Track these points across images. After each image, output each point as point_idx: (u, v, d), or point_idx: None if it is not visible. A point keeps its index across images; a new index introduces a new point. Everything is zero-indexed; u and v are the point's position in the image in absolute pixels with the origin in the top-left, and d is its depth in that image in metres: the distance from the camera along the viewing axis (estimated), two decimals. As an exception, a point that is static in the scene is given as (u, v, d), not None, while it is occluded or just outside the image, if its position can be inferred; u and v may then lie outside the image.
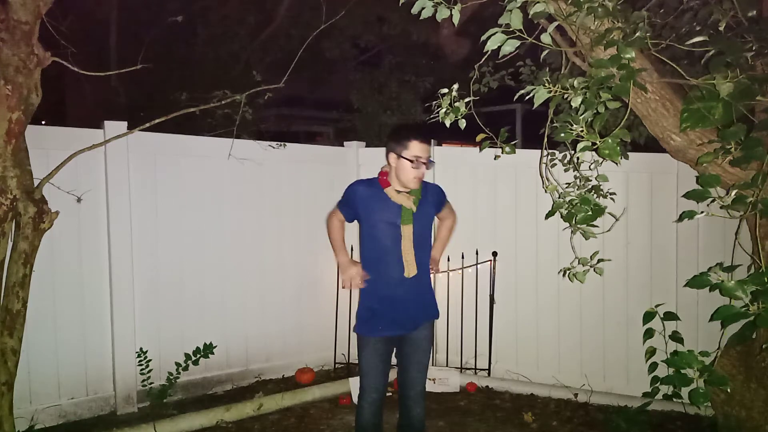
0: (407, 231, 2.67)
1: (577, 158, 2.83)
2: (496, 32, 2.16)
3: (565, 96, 2.24)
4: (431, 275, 2.91)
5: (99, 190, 3.73)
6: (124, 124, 3.67)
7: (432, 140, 2.71)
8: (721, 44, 2.42)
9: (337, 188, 2.90)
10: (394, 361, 2.88)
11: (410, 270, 2.69)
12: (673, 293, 3.86)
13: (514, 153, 2.84)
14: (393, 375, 3.79)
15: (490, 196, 4.47)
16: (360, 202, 2.73)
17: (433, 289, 2.93)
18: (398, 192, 2.69)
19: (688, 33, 3.05)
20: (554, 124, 2.47)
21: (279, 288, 4.54)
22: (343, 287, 2.81)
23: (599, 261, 2.71)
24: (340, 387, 4.16)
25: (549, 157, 3.07)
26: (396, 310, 2.70)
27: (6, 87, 2.53)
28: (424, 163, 2.64)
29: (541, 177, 2.80)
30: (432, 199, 2.82)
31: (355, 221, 2.85)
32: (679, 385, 2.30)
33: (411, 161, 2.61)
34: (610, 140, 2.09)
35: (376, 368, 2.72)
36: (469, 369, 4.51)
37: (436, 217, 2.96)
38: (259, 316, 4.45)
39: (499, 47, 2.18)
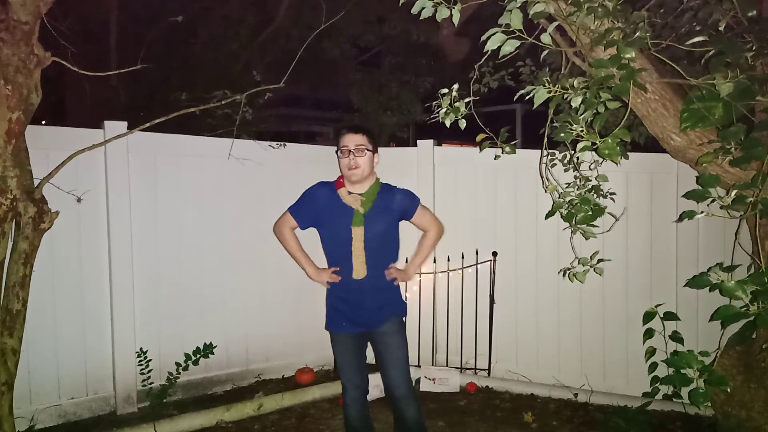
0: (357, 232, 2.67)
1: (577, 158, 2.83)
2: (496, 32, 2.17)
3: (565, 96, 2.24)
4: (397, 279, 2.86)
5: (99, 190, 3.73)
6: (124, 124, 3.67)
7: (364, 133, 2.73)
8: (721, 44, 2.42)
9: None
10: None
11: (358, 272, 2.70)
12: (673, 293, 3.86)
13: (514, 153, 2.84)
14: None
15: (490, 196, 4.47)
16: (318, 204, 2.77)
17: (396, 288, 2.87)
18: (349, 193, 2.71)
19: (688, 33, 3.05)
20: (554, 124, 2.47)
21: (279, 288, 4.54)
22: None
23: (599, 261, 2.71)
24: (340, 387, 4.15)
25: (549, 157, 3.07)
26: (352, 310, 2.75)
27: (6, 87, 2.53)
28: (350, 151, 2.65)
29: (541, 177, 2.80)
30: (395, 203, 2.77)
31: (308, 229, 2.85)
32: (679, 385, 2.31)
33: (341, 152, 2.68)
34: (610, 140, 2.09)
35: (349, 363, 2.80)
36: (469, 369, 4.51)
37: (413, 225, 2.91)
38: (259, 316, 4.45)
39: (499, 47, 2.19)
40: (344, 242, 2.69)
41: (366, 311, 2.74)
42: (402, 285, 3.06)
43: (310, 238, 2.94)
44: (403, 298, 2.92)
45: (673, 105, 2.59)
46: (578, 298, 4.17)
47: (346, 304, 2.76)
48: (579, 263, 2.76)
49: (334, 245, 2.76)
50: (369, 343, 2.86)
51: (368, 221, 2.68)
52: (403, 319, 2.87)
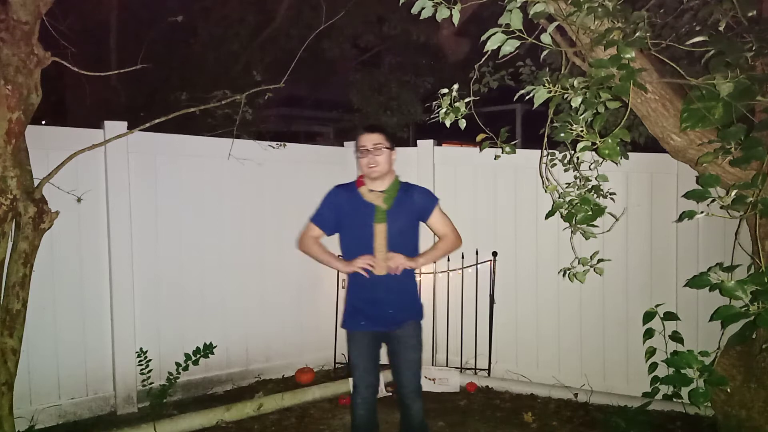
0: (380, 229, 2.71)
1: (577, 158, 2.83)
2: (496, 32, 2.17)
3: (565, 96, 2.24)
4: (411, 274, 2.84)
5: (99, 190, 3.73)
6: (124, 124, 3.67)
7: (380, 132, 2.80)
8: (721, 44, 2.42)
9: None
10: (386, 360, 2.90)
11: (380, 268, 2.72)
12: (673, 293, 3.86)
13: (514, 153, 2.84)
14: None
15: (490, 196, 4.47)
16: (339, 206, 2.81)
17: (416, 291, 2.92)
18: (371, 191, 2.76)
19: (688, 33, 3.06)
20: (554, 124, 2.47)
21: (279, 288, 4.54)
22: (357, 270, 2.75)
23: (599, 261, 2.71)
24: (340, 387, 4.16)
25: (549, 157, 3.07)
26: (374, 309, 2.76)
27: (6, 87, 2.53)
28: (368, 150, 2.71)
29: (541, 177, 2.80)
30: (415, 201, 2.81)
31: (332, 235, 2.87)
32: (679, 385, 2.31)
33: (360, 152, 2.74)
34: (610, 140, 2.09)
35: (363, 362, 2.79)
36: (469, 369, 4.51)
37: (428, 227, 2.91)
38: (259, 316, 4.45)
39: (499, 47, 2.18)
40: (367, 239, 2.72)
41: (386, 311, 2.76)
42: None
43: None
44: (422, 302, 2.94)
45: (673, 105, 2.59)
46: (578, 298, 4.17)
47: (367, 302, 2.77)
48: (579, 263, 2.76)
49: (357, 243, 2.76)
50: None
51: (390, 218, 2.72)
52: (421, 322, 2.90)
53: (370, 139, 2.72)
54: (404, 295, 2.81)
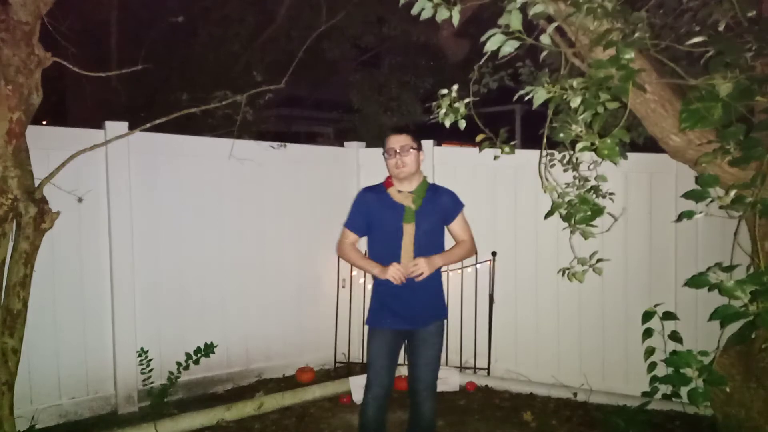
0: (409, 229, 2.74)
1: (576, 158, 2.84)
2: (496, 33, 2.17)
3: (565, 96, 2.25)
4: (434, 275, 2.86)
5: (100, 191, 3.74)
6: (125, 124, 3.68)
7: (408, 134, 2.86)
8: (721, 44, 2.42)
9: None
10: (401, 360, 2.91)
11: (404, 275, 2.71)
12: (672, 293, 3.87)
13: (514, 153, 2.84)
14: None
15: (490, 196, 4.47)
16: (369, 207, 2.84)
17: (442, 291, 2.94)
18: (399, 192, 2.79)
19: (687, 33, 3.06)
20: (553, 125, 2.47)
21: (279, 288, 4.54)
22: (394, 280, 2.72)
23: (598, 261, 2.71)
24: (341, 386, 4.17)
25: (548, 157, 3.07)
26: (402, 307, 2.77)
27: (6, 87, 2.54)
28: (396, 152, 2.74)
29: (541, 177, 2.80)
30: (442, 202, 2.85)
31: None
32: (678, 384, 2.30)
33: (388, 154, 2.77)
34: (609, 140, 2.09)
35: (382, 360, 2.79)
36: (468, 368, 4.52)
37: (448, 231, 2.93)
38: (259, 316, 4.46)
39: (499, 48, 2.19)
40: (395, 239, 2.74)
41: (414, 309, 2.78)
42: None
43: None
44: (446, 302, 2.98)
45: (672, 105, 2.59)
46: (577, 298, 4.17)
47: (396, 300, 2.77)
48: (578, 263, 2.76)
49: (385, 243, 2.79)
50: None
51: (419, 218, 2.75)
52: (445, 321, 2.93)
53: (397, 141, 2.77)
54: (431, 292, 2.85)
